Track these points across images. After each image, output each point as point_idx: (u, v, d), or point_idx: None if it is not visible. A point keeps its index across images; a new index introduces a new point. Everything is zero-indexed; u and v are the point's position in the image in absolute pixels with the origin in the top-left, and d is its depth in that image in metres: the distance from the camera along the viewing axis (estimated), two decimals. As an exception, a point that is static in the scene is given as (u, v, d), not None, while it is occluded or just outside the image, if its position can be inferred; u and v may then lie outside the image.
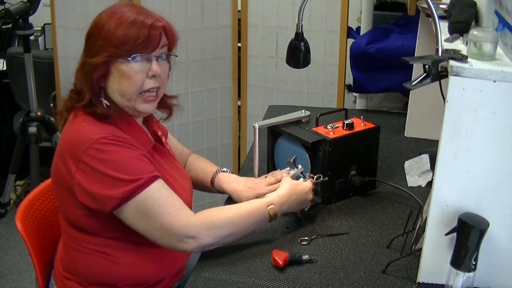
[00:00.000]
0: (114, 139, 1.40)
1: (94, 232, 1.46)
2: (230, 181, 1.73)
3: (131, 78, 1.44)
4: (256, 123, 1.77)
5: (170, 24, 1.50)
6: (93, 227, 1.45)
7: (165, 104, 1.63)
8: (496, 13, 1.39)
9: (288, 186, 1.61)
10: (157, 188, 1.40)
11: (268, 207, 1.53)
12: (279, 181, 1.66)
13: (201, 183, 1.78)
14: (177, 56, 1.55)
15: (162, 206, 1.39)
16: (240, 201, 1.64)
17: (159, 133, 1.66)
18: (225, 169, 1.78)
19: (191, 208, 1.58)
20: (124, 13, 1.44)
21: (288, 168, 1.74)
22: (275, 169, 1.86)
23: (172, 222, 1.40)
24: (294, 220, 1.68)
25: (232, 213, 1.49)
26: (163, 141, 1.65)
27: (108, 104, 1.46)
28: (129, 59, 1.43)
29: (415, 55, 2.15)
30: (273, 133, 1.85)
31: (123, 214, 1.40)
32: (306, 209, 1.65)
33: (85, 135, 1.40)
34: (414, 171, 1.92)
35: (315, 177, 1.69)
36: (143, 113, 1.52)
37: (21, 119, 2.90)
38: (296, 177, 1.69)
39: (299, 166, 1.70)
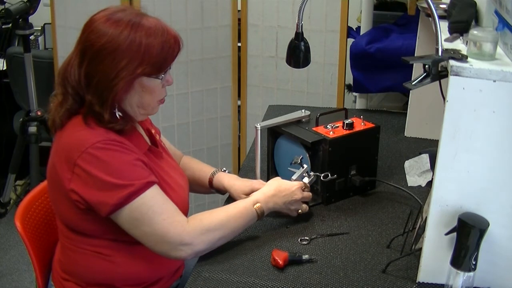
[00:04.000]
0: (109, 143, 1.38)
1: (91, 234, 1.46)
2: (230, 178, 1.74)
3: (154, 92, 1.45)
4: (258, 124, 1.76)
5: None
6: (90, 230, 1.45)
7: None
8: (496, 12, 1.39)
9: (273, 184, 1.62)
10: (151, 194, 1.39)
11: (255, 206, 1.54)
12: None
13: (197, 182, 1.78)
14: None
15: (156, 212, 1.39)
16: (236, 195, 1.67)
17: (153, 131, 1.65)
18: (224, 169, 1.79)
19: (188, 207, 1.59)
20: (150, 27, 1.39)
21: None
22: (275, 168, 1.86)
23: (166, 229, 1.39)
24: (294, 220, 1.68)
25: (222, 216, 1.48)
26: (158, 139, 1.65)
27: (121, 115, 1.44)
28: (162, 75, 1.43)
29: (415, 55, 2.15)
30: (273, 133, 1.85)
31: (118, 219, 1.40)
32: (300, 211, 1.65)
33: (80, 140, 1.38)
34: (414, 171, 1.92)
35: (322, 175, 1.69)
36: (152, 114, 1.52)
37: (21, 119, 2.90)
38: (301, 177, 1.69)
39: (305, 166, 1.71)
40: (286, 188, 1.61)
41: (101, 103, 1.39)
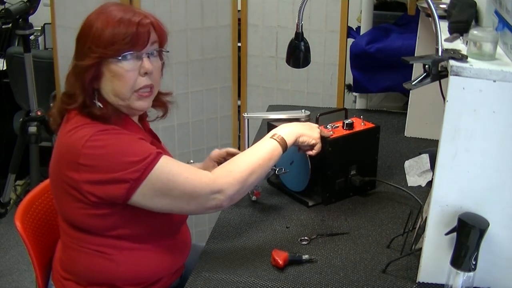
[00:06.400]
0: (109, 128, 1.41)
1: (96, 232, 1.46)
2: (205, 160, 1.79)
3: (123, 78, 1.44)
4: (245, 113, 1.83)
5: (158, 20, 1.49)
6: (94, 227, 1.45)
7: (160, 101, 1.63)
8: (496, 12, 1.39)
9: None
10: (165, 161, 1.40)
11: (272, 137, 1.56)
12: None
13: None
14: (168, 51, 1.54)
15: (176, 174, 1.40)
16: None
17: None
18: (192, 161, 1.83)
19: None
20: (111, 12, 1.43)
21: None
22: (274, 168, 1.85)
23: (193, 185, 1.40)
24: (294, 220, 1.68)
25: (242, 155, 1.52)
26: (159, 138, 1.66)
27: (102, 106, 1.45)
28: (119, 58, 1.42)
29: (415, 55, 2.15)
30: (273, 133, 1.85)
31: (141, 198, 1.39)
32: (315, 150, 1.65)
33: (81, 133, 1.39)
34: (414, 171, 1.92)
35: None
36: (138, 110, 1.51)
37: (21, 119, 2.90)
38: None
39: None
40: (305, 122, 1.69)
41: (81, 88, 1.43)
